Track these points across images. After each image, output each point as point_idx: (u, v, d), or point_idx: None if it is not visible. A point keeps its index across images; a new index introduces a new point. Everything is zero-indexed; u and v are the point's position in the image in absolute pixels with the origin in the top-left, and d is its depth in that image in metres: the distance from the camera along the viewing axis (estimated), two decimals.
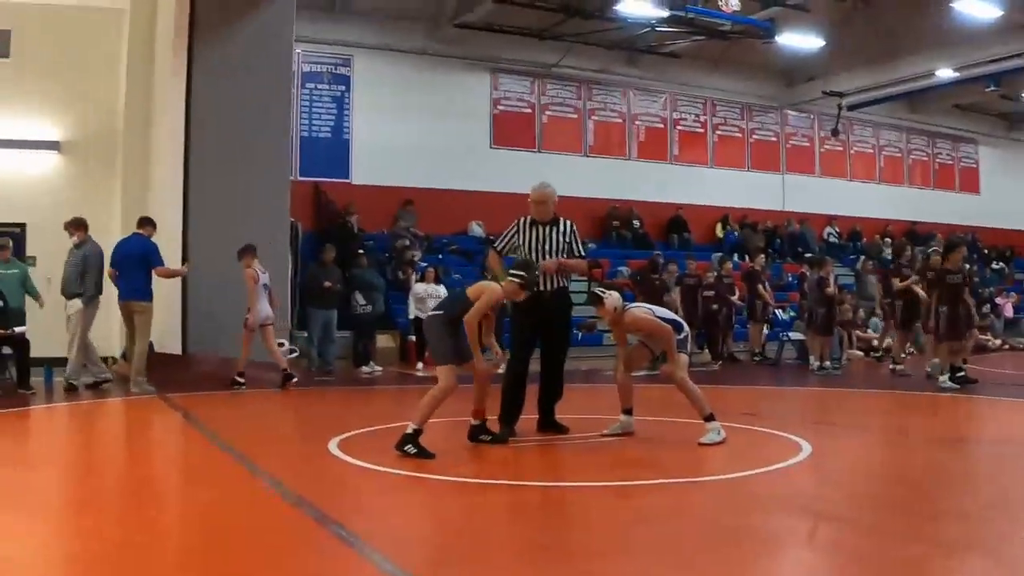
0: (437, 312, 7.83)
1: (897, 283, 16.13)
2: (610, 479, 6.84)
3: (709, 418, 8.02)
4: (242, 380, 13.43)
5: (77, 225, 13.32)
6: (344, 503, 5.89)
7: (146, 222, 13.62)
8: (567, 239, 8.65)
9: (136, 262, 13.17)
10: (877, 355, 19.47)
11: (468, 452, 7.81)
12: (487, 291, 7.61)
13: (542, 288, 8.39)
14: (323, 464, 7.16)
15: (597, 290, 8.39)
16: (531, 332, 8.25)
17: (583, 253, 8.95)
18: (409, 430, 7.21)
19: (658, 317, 8.35)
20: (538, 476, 7.25)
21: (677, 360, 8.12)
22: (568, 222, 8.77)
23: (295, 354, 14.50)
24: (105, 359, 14.64)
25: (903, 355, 16.39)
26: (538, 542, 4.99)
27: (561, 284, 8.64)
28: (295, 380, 13.55)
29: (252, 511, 5.65)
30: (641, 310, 8.53)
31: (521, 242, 8.63)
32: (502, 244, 8.87)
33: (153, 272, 13.35)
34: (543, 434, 8.63)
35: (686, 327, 8.47)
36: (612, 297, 8.24)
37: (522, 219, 8.74)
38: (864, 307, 20.81)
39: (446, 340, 7.54)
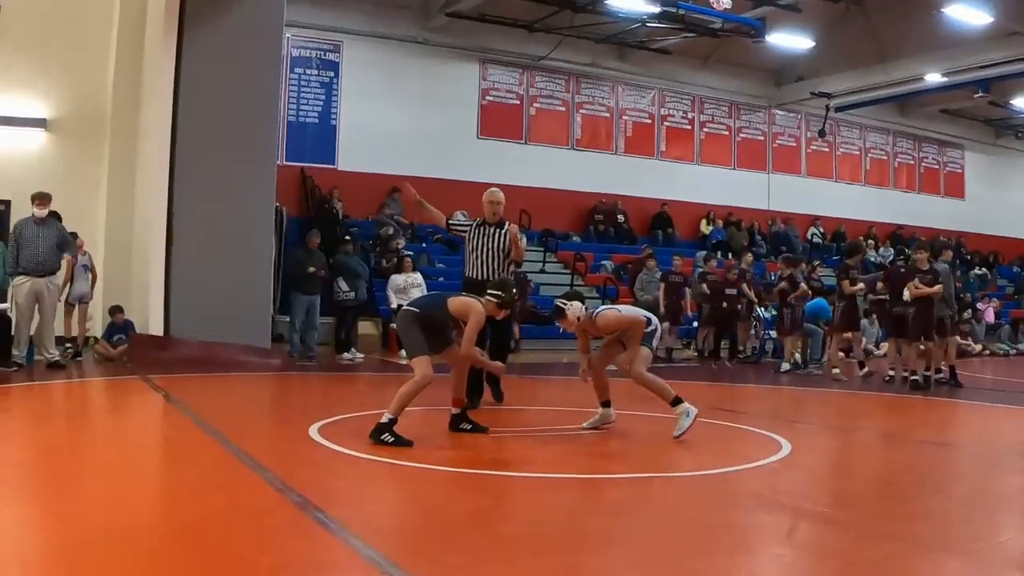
0: (412, 308, 7.83)
1: (847, 286, 15.57)
2: (588, 471, 6.89)
3: (676, 402, 8.04)
4: (69, 350, 14.48)
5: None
6: (325, 489, 5.90)
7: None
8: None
9: None
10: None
11: (448, 441, 7.83)
12: (473, 313, 7.61)
13: (489, 277, 9.48)
14: (305, 449, 7.17)
15: (559, 302, 8.39)
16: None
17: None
18: (384, 419, 7.24)
19: (625, 315, 8.40)
20: (517, 466, 7.26)
21: (638, 353, 8.12)
22: (511, 224, 10.07)
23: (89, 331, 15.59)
24: (88, 339, 14.70)
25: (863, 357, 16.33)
26: (515, 533, 5.02)
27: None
28: (80, 359, 14.45)
29: (236, 495, 5.66)
30: (610, 311, 8.57)
31: (469, 238, 9.95)
32: (455, 223, 10.27)
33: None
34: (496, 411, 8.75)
35: (655, 321, 8.46)
36: (573, 307, 8.22)
37: (477, 221, 10.06)
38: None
39: (418, 334, 7.56)
